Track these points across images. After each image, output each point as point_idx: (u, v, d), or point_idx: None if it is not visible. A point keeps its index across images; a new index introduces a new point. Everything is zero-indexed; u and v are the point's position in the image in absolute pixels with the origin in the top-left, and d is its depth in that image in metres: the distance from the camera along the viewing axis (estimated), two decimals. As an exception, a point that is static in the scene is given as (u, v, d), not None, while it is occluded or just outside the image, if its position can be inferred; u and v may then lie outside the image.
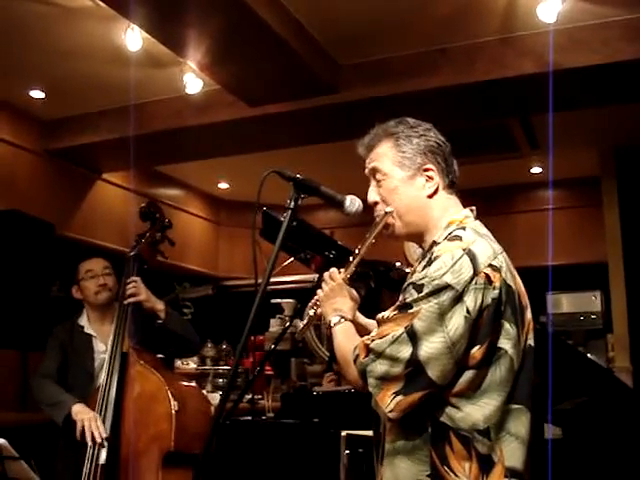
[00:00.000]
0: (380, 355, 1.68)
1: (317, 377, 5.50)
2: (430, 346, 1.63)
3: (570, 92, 4.98)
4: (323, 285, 1.97)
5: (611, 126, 6.22)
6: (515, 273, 1.80)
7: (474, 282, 1.66)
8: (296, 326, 5.74)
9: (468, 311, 1.64)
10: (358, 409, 2.18)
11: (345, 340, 1.84)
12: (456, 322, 1.64)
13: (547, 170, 7.52)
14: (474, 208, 1.90)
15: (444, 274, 1.66)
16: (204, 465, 1.85)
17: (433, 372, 1.63)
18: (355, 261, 1.95)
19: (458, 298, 1.64)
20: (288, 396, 4.18)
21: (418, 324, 1.65)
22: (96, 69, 5.17)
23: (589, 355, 6.35)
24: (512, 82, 4.82)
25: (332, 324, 1.90)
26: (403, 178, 1.86)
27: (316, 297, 2.00)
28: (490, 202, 7.46)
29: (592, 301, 6.94)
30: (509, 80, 4.79)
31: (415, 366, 1.64)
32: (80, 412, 3.01)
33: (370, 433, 1.90)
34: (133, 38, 4.58)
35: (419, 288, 1.68)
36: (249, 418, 3.94)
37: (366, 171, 1.93)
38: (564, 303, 7.06)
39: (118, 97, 5.55)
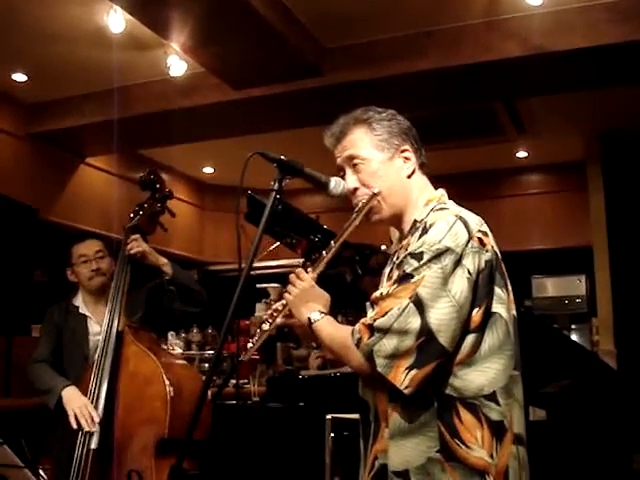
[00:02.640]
0: (387, 332, 1.64)
1: (303, 361, 5.49)
2: (439, 312, 1.62)
3: (555, 75, 4.98)
4: (290, 288, 1.86)
5: (596, 110, 6.22)
6: None
7: (470, 245, 1.68)
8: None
9: (469, 272, 1.66)
10: (344, 392, 2.17)
11: (335, 329, 1.79)
12: (460, 285, 1.65)
13: (533, 155, 7.53)
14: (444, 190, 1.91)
15: (443, 238, 1.67)
16: (187, 449, 1.84)
17: (444, 339, 1.62)
18: (328, 256, 1.86)
19: (458, 261, 1.66)
20: (274, 380, 4.17)
21: (423, 292, 1.64)
22: (79, 52, 5.12)
23: (574, 338, 6.40)
24: (497, 65, 4.80)
25: (312, 320, 1.81)
26: (383, 160, 1.86)
27: (274, 306, 1.90)
28: (475, 186, 7.45)
29: (577, 285, 6.96)
30: (494, 63, 4.78)
31: (426, 336, 1.62)
32: (70, 400, 2.96)
33: (355, 416, 1.88)
34: (116, 20, 4.53)
35: (419, 256, 1.68)
36: (234, 402, 3.94)
37: (339, 160, 1.92)
38: (549, 287, 7.09)
39: (101, 80, 5.49)
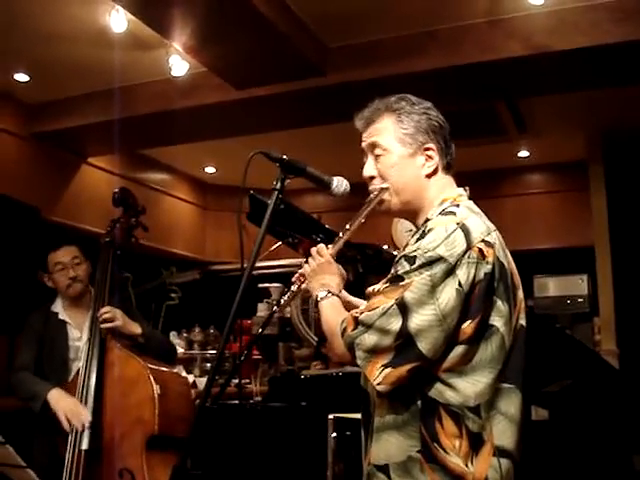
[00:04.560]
0: (370, 327, 1.67)
1: (305, 361, 5.49)
2: (421, 318, 1.63)
3: (558, 75, 4.98)
4: (310, 260, 1.94)
5: (598, 110, 6.22)
6: (507, 252, 1.80)
7: (467, 256, 1.65)
8: (283, 310, 5.72)
9: (460, 284, 1.64)
10: (346, 392, 2.17)
11: (332, 313, 1.83)
12: (448, 295, 1.63)
13: (534, 154, 7.53)
14: (467, 188, 1.90)
15: (437, 246, 1.65)
16: (191, 448, 1.84)
17: (423, 345, 1.63)
18: (345, 237, 1.93)
19: (450, 271, 1.64)
20: (276, 380, 4.17)
21: (409, 296, 1.64)
22: (81, 51, 5.12)
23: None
24: (499, 65, 4.80)
25: (319, 298, 1.88)
26: (403, 155, 1.84)
27: (300, 271, 1.98)
28: (477, 186, 7.34)
29: (579, 284, 6.96)
30: (497, 62, 4.78)
31: (405, 338, 1.63)
32: (58, 401, 3.00)
33: (357, 416, 1.89)
34: (118, 20, 4.54)
35: (411, 260, 1.67)
36: (236, 402, 3.93)
37: (363, 145, 1.91)
38: (551, 286, 7.08)
39: (103, 80, 5.50)
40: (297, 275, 2.00)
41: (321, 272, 1.91)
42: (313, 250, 1.95)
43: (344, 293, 1.98)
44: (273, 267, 6.19)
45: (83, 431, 2.93)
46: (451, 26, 4.84)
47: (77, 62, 5.27)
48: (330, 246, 1.95)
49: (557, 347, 3.35)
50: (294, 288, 2.00)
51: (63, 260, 3.36)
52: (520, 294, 1.80)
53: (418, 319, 1.63)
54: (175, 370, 3.37)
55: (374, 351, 1.66)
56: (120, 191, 3.50)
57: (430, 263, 1.64)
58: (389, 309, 1.65)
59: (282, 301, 2.02)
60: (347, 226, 1.93)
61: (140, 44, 5.00)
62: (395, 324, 1.64)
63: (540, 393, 3.28)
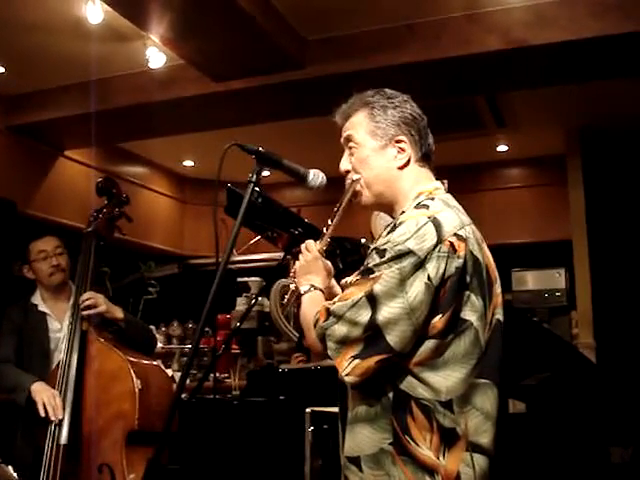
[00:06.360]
0: (340, 318, 1.68)
1: (284, 355, 5.48)
2: (389, 311, 1.63)
3: (536, 69, 4.99)
4: (300, 257, 1.97)
5: (577, 105, 6.25)
6: (485, 246, 1.80)
7: (437, 250, 1.65)
8: (262, 304, 5.71)
9: (429, 278, 1.63)
10: (324, 386, 2.17)
11: (310, 306, 1.85)
12: (416, 289, 1.63)
13: (513, 148, 7.56)
14: (445, 181, 1.90)
15: (407, 240, 1.66)
16: (165, 442, 1.83)
17: (391, 337, 1.63)
18: (329, 231, 1.95)
19: (420, 265, 1.64)
20: (254, 374, 4.15)
21: (378, 288, 1.65)
22: (57, 43, 5.07)
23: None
24: (478, 59, 4.80)
25: (302, 292, 1.91)
26: (374, 148, 1.85)
27: (294, 269, 2.00)
28: (456, 180, 7.34)
29: (556, 278, 6.99)
30: (475, 56, 4.78)
31: (374, 330, 1.64)
32: (39, 391, 2.97)
33: (335, 409, 1.89)
34: (94, 11, 4.49)
35: (381, 253, 1.68)
36: (213, 396, 3.92)
37: (341, 139, 1.93)
38: (529, 280, 7.11)
39: (80, 72, 5.44)
40: (292, 272, 2.02)
41: (308, 268, 1.94)
42: (302, 246, 1.98)
43: (334, 284, 2.01)
44: (252, 261, 6.18)
45: (62, 425, 2.91)
46: (430, 20, 4.84)
47: (53, 54, 5.22)
48: (317, 242, 1.97)
49: (535, 340, 3.36)
50: (292, 287, 2.02)
51: (46, 248, 3.36)
52: (497, 289, 1.80)
53: (386, 311, 1.63)
54: (156, 363, 3.33)
55: (344, 342, 1.67)
56: (104, 180, 3.48)
57: (399, 256, 1.65)
58: (358, 301, 1.66)
59: (284, 301, 2.04)
60: (329, 221, 1.95)
61: (117, 36, 4.95)
62: (364, 316, 1.65)
63: (517, 386, 3.29)
